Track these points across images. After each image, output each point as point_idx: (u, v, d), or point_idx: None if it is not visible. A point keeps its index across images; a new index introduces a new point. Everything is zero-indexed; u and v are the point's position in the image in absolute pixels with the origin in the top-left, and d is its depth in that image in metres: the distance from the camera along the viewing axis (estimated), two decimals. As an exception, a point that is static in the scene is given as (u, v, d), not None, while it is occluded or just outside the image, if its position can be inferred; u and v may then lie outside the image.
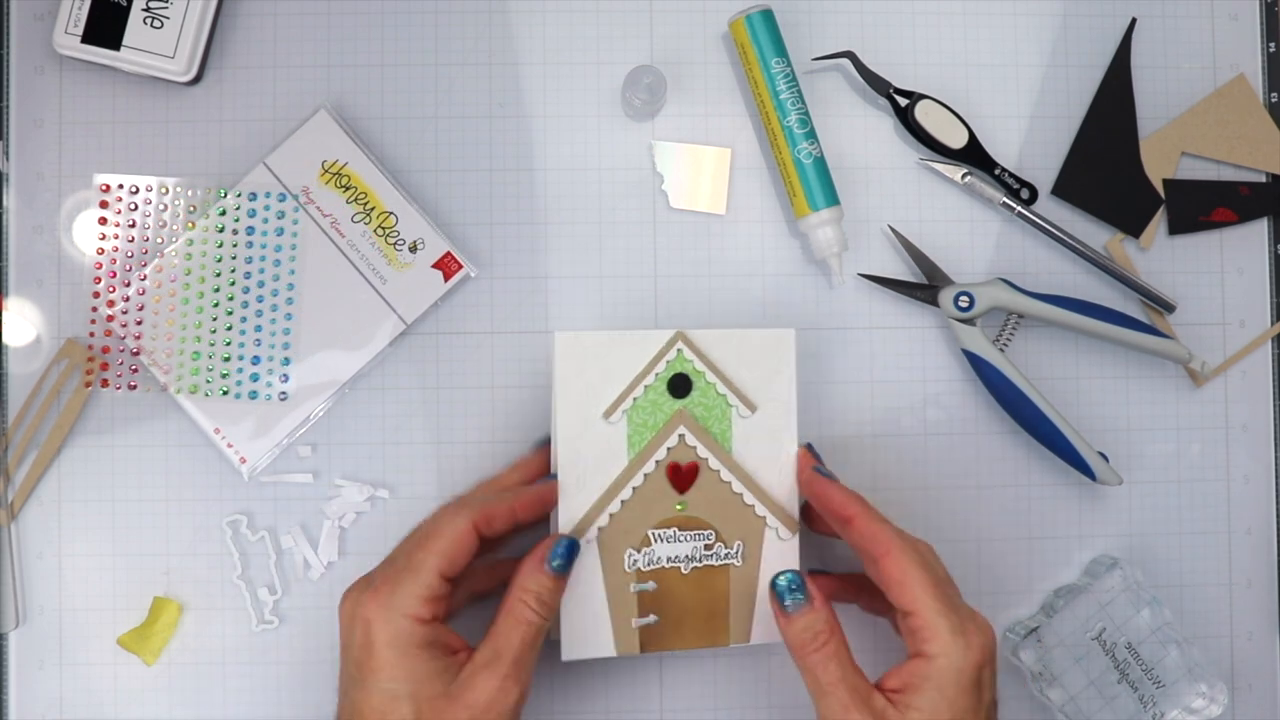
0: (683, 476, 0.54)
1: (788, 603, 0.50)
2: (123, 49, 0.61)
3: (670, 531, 0.54)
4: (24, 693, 0.63)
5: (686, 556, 0.54)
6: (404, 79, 0.64)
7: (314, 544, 0.63)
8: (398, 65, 0.65)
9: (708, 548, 0.54)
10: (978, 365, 0.63)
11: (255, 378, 0.62)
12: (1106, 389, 0.66)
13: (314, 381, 0.63)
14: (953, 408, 0.65)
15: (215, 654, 0.63)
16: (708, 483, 0.54)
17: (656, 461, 0.54)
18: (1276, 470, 0.66)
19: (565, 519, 0.53)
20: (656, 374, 0.54)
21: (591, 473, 0.53)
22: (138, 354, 0.62)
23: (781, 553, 0.55)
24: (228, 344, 0.63)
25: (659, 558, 0.54)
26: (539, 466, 0.56)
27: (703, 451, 0.54)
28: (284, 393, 0.62)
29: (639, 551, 0.53)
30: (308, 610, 0.63)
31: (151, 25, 0.61)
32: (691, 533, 0.54)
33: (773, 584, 0.51)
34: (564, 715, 0.64)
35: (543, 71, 0.65)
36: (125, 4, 0.61)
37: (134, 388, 0.63)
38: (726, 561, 0.54)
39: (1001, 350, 0.64)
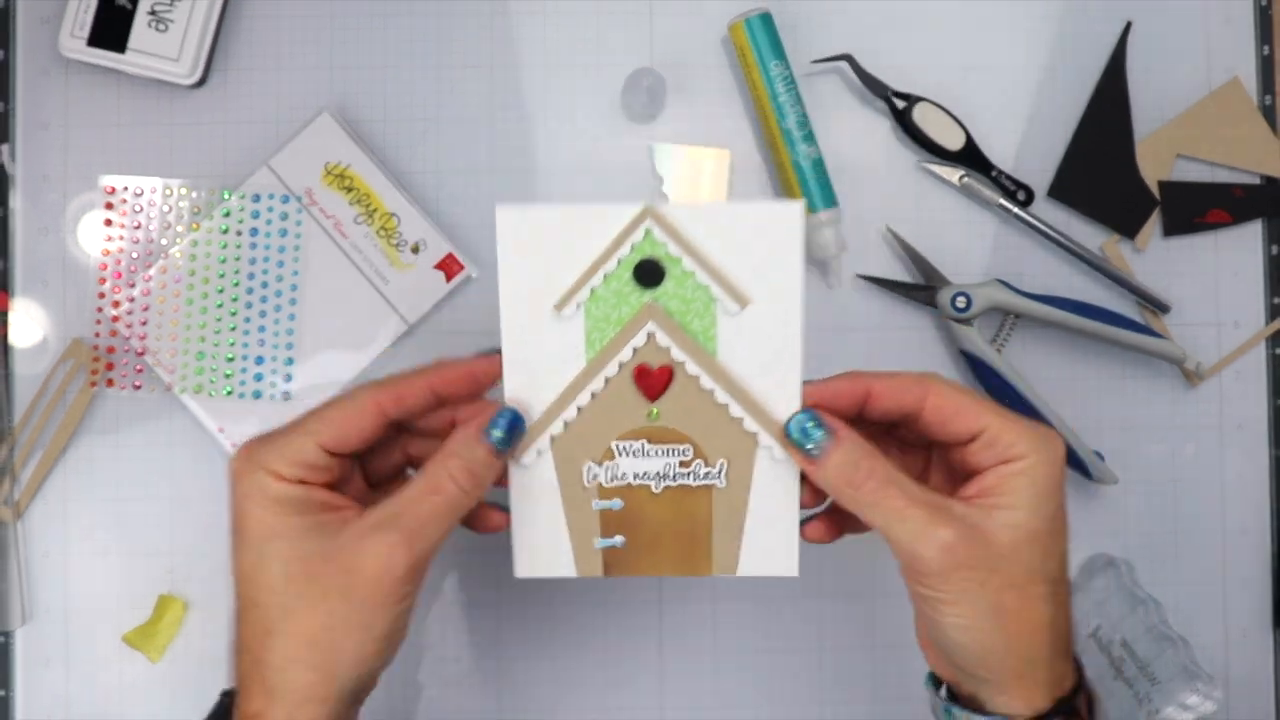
0: (653, 381, 0.46)
1: (810, 446, 0.44)
2: (128, 52, 0.61)
3: (638, 445, 0.47)
4: (30, 690, 0.63)
5: (658, 474, 0.47)
6: (406, 81, 0.65)
7: (317, 542, 0.63)
8: (400, 68, 0.65)
9: (684, 465, 0.47)
10: (975, 365, 0.64)
11: (259, 377, 0.63)
12: (1102, 389, 0.66)
13: (317, 381, 0.63)
14: (950, 407, 0.65)
15: (219, 651, 0.63)
16: (684, 391, 0.46)
17: (620, 364, 0.46)
18: (1270, 469, 0.67)
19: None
20: (619, 259, 0.45)
21: (543, 374, 0.46)
22: (142, 354, 0.63)
23: (777, 476, 0.46)
24: (231, 344, 0.63)
25: (624, 473, 0.47)
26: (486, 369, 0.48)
27: (678, 354, 0.46)
28: (287, 392, 0.63)
29: (600, 465, 0.47)
30: (311, 608, 0.63)
31: (156, 28, 0.61)
32: (665, 446, 0.47)
33: (786, 432, 0.45)
34: (564, 714, 0.64)
35: (544, 74, 0.65)
36: (130, 7, 0.61)
37: (139, 387, 0.64)
38: (707, 482, 0.47)
39: (998, 350, 0.64)
